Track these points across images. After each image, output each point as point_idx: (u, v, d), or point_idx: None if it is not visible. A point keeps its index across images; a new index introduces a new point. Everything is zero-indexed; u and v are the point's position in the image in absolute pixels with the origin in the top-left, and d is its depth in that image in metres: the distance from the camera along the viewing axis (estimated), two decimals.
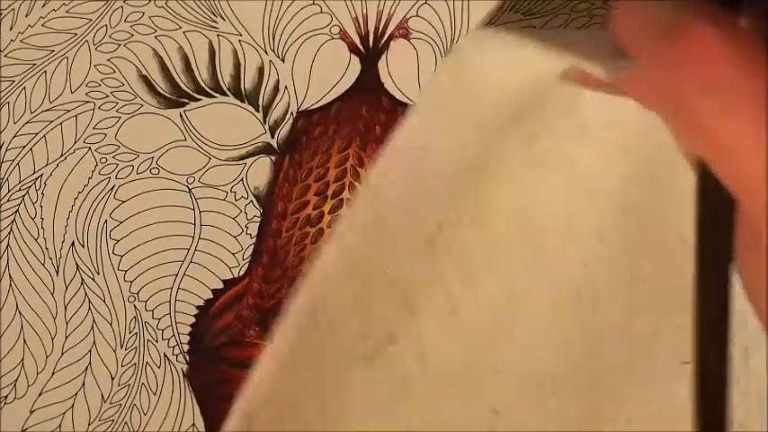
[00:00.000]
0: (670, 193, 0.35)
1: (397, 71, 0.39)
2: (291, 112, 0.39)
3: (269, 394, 0.37)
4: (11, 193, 0.39)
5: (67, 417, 0.39)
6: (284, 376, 0.37)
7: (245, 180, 0.39)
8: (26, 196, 0.39)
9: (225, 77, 0.39)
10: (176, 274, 0.39)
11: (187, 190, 0.39)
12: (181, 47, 0.39)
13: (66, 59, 0.39)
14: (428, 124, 0.37)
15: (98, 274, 0.39)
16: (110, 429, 0.39)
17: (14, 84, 0.39)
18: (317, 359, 0.38)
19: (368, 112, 0.39)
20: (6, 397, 0.39)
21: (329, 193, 0.40)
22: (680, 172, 0.30)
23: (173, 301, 0.39)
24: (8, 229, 0.39)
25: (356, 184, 0.40)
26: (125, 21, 0.39)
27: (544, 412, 0.35)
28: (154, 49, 0.39)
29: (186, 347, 0.40)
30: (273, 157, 0.39)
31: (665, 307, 0.35)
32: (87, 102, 0.39)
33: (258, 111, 0.39)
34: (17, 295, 0.39)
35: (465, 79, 0.38)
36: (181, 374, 0.40)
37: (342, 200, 0.40)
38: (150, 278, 0.39)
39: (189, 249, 0.39)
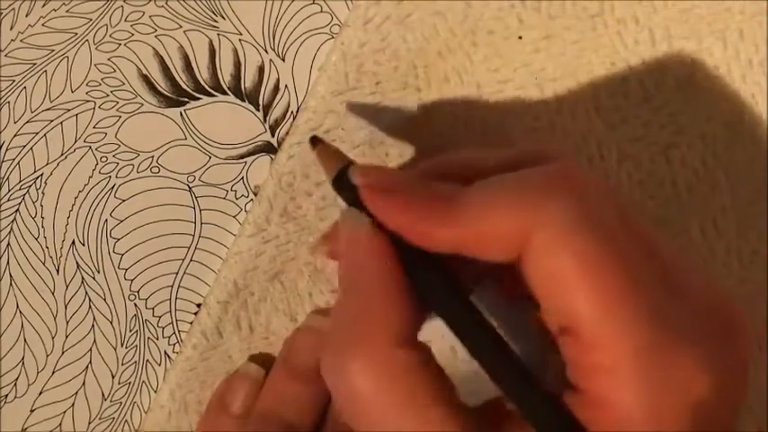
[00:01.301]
0: None
1: None
2: (292, 111, 0.40)
3: (194, 364, 0.39)
4: (11, 192, 0.39)
5: (68, 415, 0.39)
6: (211, 349, 0.39)
7: (245, 178, 0.40)
8: (26, 195, 0.39)
9: (225, 76, 0.40)
10: (177, 273, 0.40)
11: (187, 188, 0.39)
12: (181, 46, 0.39)
13: (66, 59, 0.39)
14: (326, 105, 0.38)
15: (98, 272, 0.39)
16: (110, 427, 0.39)
17: (15, 83, 0.39)
18: (244, 337, 0.39)
19: None
20: (7, 396, 0.39)
21: None
22: None
23: (173, 300, 0.40)
24: (8, 228, 0.39)
25: None
26: (125, 20, 0.39)
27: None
28: (154, 49, 0.39)
29: None
30: (274, 156, 0.39)
31: None
32: (88, 101, 0.39)
33: (258, 110, 0.40)
34: (17, 294, 0.39)
35: (353, 55, 0.38)
36: None
37: None
38: (151, 276, 0.40)
39: (189, 248, 0.40)
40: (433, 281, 0.30)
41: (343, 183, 0.32)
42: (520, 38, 0.39)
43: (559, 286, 0.28)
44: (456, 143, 0.38)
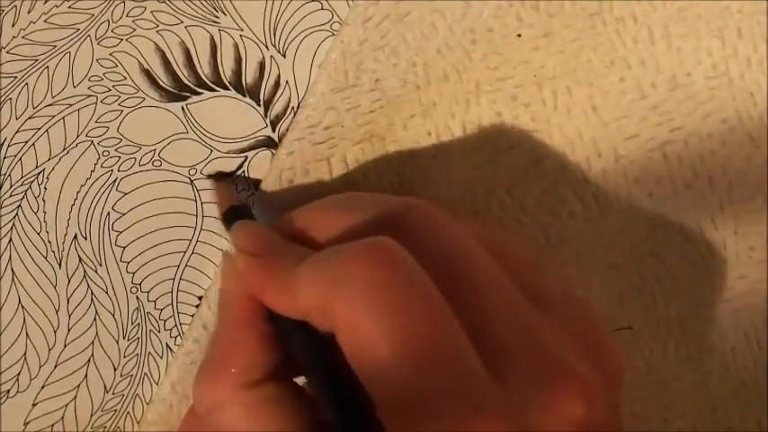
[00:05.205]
0: None
1: None
2: (292, 107, 0.40)
3: (196, 357, 0.39)
4: (13, 188, 0.39)
5: (70, 408, 0.40)
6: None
7: (246, 172, 0.40)
8: (29, 191, 0.39)
9: (226, 71, 0.40)
10: (178, 265, 0.40)
11: (189, 182, 0.40)
12: (182, 41, 0.39)
13: (68, 54, 0.39)
14: (326, 102, 0.39)
15: (101, 266, 0.39)
16: (113, 419, 0.40)
17: (17, 80, 0.39)
18: None
19: None
20: (9, 391, 0.39)
21: None
22: None
23: (175, 292, 0.40)
24: (11, 224, 0.39)
25: None
26: (127, 16, 0.39)
27: None
28: (156, 44, 0.39)
29: None
30: (274, 151, 0.40)
31: None
32: (89, 96, 0.39)
33: (259, 105, 0.40)
34: (20, 289, 0.39)
35: (352, 53, 0.39)
36: None
37: None
38: (152, 269, 0.40)
39: (191, 240, 0.40)
40: (291, 328, 0.32)
41: (229, 221, 0.36)
42: (519, 36, 0.39)
43: (355, 357, 0.29)
44: (453, 142, 0.39)
